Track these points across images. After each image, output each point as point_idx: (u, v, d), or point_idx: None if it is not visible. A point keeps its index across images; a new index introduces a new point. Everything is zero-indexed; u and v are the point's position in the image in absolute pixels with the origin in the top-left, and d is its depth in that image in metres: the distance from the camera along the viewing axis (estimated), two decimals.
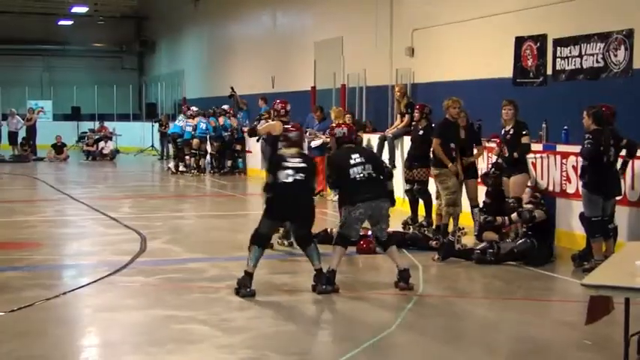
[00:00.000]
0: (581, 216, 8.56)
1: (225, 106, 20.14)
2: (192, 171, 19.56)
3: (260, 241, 7.40)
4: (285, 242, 9.61)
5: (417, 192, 10.88)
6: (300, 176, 7.35)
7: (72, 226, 11.85)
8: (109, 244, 10.03)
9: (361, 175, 7.47)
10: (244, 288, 7.22)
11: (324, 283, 7.36)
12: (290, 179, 7.32)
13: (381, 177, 7.63)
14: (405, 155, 11.70)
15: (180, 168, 19.89)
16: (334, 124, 8.28)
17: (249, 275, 7.26)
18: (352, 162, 7.51)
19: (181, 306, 6.91)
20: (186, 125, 19.91)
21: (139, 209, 13.51)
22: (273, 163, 7.60)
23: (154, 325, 6.35)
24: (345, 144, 7.83)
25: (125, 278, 8.05)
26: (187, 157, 19.75)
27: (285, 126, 8.79)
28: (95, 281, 7.87)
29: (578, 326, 5.93)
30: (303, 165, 7.42)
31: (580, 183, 8.74)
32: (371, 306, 7.11)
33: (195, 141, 19.64)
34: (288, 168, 7.35)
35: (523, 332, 6.34)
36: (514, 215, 9.07)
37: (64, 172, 21.83)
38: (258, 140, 11.52)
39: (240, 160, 19.65)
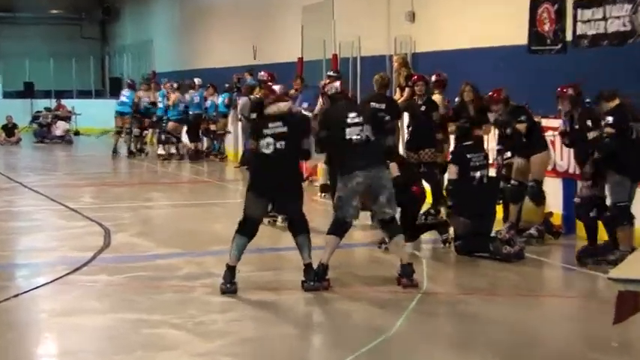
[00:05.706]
0: (577, 205, 8.60)
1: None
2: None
3: (245, 228, 7.31)
4: (279, 218, 9.59)
5: (423, 175, 10.80)
6: (280, 145, 7.24)
7: (25, 218, 11.81)
8: (67, 239, 10.01)
9: (358, 137, 7.36)
10: (223, 283, 7.23)
11: (312, 279, 7.35)
12: (270, 149, 7.24)
13: (380, 140, 7.57)
14: (407, 135, 11.63)
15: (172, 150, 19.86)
16: (326, 82, 8.21)
17: (229, 269, 7.25)
18: (349, 121, 7.41)
19: (151, 308, 6.89)
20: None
21: (103, 199, 13.48)
22: (256, 127, 7.56)
23: (120, 331, 6.34)
24: (340, 101, 7.75)
25: (86, 277, 8.02)
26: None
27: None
28: (52, 281, 7.85)
29: (602, 326, 5.92)
30: (283, 129, 7.28)
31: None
32: (368, 306, 7.09)
33: (172, 124, 19.52)
34: (268, 135, 7.27)
35: (537, 334, 6.33)
36: None
37: (15, 157, 21.83)
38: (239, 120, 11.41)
39: (215, 142, 19.55)
